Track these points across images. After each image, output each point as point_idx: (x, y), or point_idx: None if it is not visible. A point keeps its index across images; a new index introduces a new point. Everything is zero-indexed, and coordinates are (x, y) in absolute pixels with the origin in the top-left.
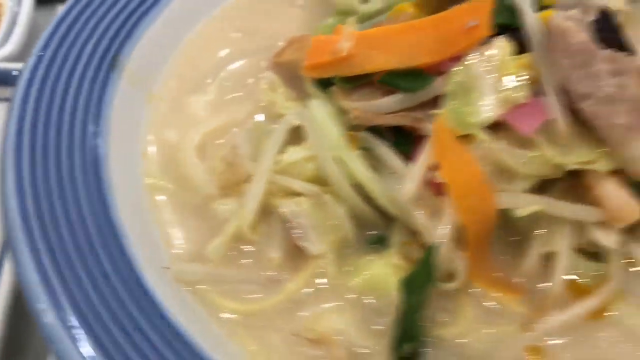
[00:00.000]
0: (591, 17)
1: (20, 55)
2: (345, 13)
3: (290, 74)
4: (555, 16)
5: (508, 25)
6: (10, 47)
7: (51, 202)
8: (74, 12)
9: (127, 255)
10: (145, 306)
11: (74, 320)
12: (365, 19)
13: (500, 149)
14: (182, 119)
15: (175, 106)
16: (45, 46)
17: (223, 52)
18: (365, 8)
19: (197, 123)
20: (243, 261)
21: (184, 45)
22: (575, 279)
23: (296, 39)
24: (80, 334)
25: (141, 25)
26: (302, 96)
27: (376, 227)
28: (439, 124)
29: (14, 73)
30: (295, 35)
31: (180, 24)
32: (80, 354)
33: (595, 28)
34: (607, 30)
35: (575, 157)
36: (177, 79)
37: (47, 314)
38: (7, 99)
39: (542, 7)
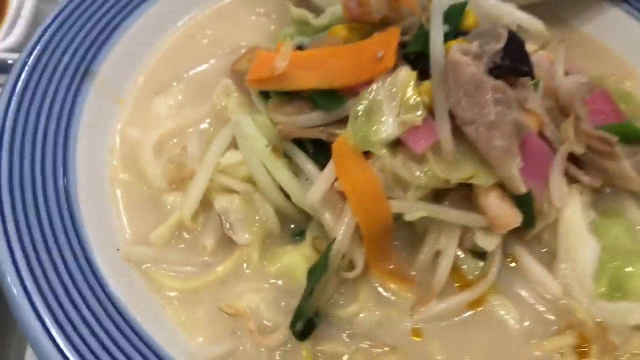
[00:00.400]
0: (501, 43)
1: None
2: (301, 23)
3: (243, 81)
4: (452, 49)
5: (422, 52)
6: (13, 38)
7: (22, 188)
8: (55, 24)
9: (81, 236)
10: (92, 282)
11: (34, 295)
12: (317, 32)
13: (396, 164)
14: (145, 118)
15: (141, 107)
16: (29, 54)
17: (189, 58)
18: (316, 22)
19: (158, 123)
20: (182, 246)
21: (153, 52)
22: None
23: (250, 50)
24: (40, 306)
25: (113, 36)
26: (251, 102)
27: (298, 222)
28: (339, 141)
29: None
30: (251, 47)
31: (150, 33)
32: (38, 317)
33: (503, 52)
34: (515, 54)
35: (459, 173)
36: (144, 83)
37: (13, 288)
38: None
39: (458, 33)
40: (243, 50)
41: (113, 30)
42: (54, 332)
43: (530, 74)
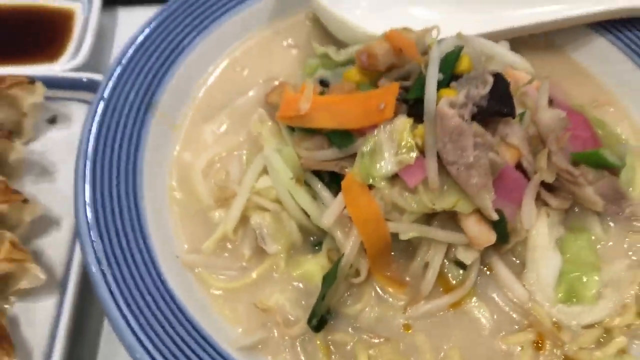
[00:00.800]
0: (487, 88)
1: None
2: (323, 57)
3: (275, 112)
4: (441, 102)
5: (419, 98)
6: (81, 59)
7: (104, 207)
8: (122, 65)
9: (149, 246)
10: (157, 282)
11: (114, 290)
12: (337, 65)
13: (394, 194)
14: (196, 144)
15: (192, 134)
16: (103, 91)
17: (232, 89)
18: (336, 57)
19: (206, 148)
20: (226, 255)
21: (201, 84)
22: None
23: (280, 84)
24: (119, 298)
25: (170, 71)
26: (281, 131)
27: (317, 235)
28: (348, 178)
29: (84, 79)
30: (281, 81)
31: (199, 68)
32: (117, 306)
33: (490, 95)
34: (500, 96)
35: (444, 202)
36: (194, 112)
37: (99, 286)
38: (82, 100)
39: (452, 77)
40: (276, 82)
41: (170, 66)
42: (130, 320)
43: (511, 114)
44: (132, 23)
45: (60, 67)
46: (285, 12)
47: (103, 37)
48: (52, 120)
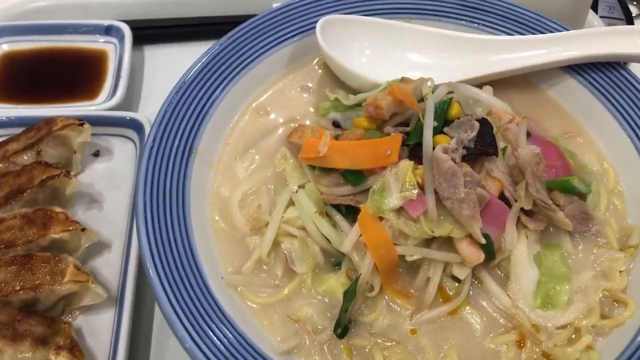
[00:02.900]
0: (474, 132)
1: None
2: (335, 100)
3: (297, 151)
4: (436, 149)
5: (418, 143)
6: (118, 98)
7: (162, 240)
8: (166, 116)
9: (200, 270)
10: (209, 300)
11: (176, 306)
12: (347, 108)
13: (400, 223)
14: (230, 180)
15: (226, 170)
16: (154, 140)
17: (258, 130)
18: (346, 102)
19: (239, 183)
20: (263, 275)
21: (232, 127)
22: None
23: (300, 127)
24: (180, 314)
25: (205, 118)
26: (303, 167)
27: (337, 256)
28: (363, 211)
29: (127, 118)
30: (300, 124)
31: (230, 112)
32: (180, 322)
33: (477, 137)
34: (485, 138)
35: (441, 230)
36: (228, 152)
37: (163, 304)
38: (121, 135)
39: (445, 122)
40: (293, 124)
41: (205, 115)
42: (191, 331)
43: (495, 154)
44: (156, 60)
45: (99, 106)
46: (300, 59)
47: (132, 74)
48: (96, 154)
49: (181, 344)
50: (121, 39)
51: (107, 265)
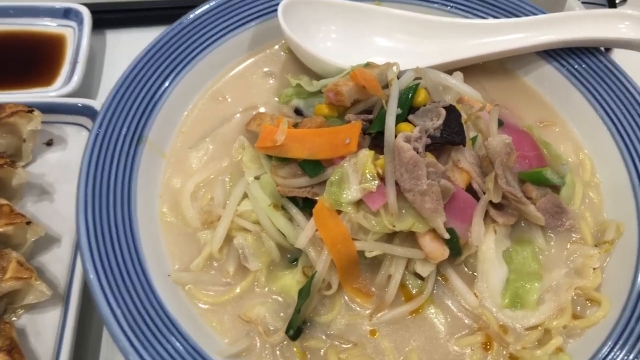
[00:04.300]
0: (441, 120)
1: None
2: (297, 87)
3: (255, 140)
4: (398, 137)
5: (381, 132)
6: (74, 84)
7: (102, 232)
8: (114, 103)
9: (144, 266)
10: (152, 299)
11: (115, 307)
12: (310, 95)
13: (359, 217)
14: (183, 170)
15: (179, 161)
16: (99, 127)
17: (215, 117)
18: (308, 89)
19: (192, 174)
20: (213, 272)
21: (187, 114)
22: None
23: (259, 115)
24: (118, 314)
25: (157, 106)
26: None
27: (293, 252)
28: (318, 204)
29: (80, 105)
30: (258, 112)
31: (184, 99)
32: (116, 320)
33: (443, 126)
34: (452, 127)
35: (402, 224)
36: (181, 141)
37: (100, 304)
38: (76, 124)
39: (411, 109)
40: (254, 112)
41: (156, 103)
42: (128, 332)
43: (462, 143)
44: (120, 45)
45: (54, 92)
46: (262, 43)
47: (92, 60)
48: (49, 143)
49: (120, 349)
50: (80, 22)
51: (56, 262)
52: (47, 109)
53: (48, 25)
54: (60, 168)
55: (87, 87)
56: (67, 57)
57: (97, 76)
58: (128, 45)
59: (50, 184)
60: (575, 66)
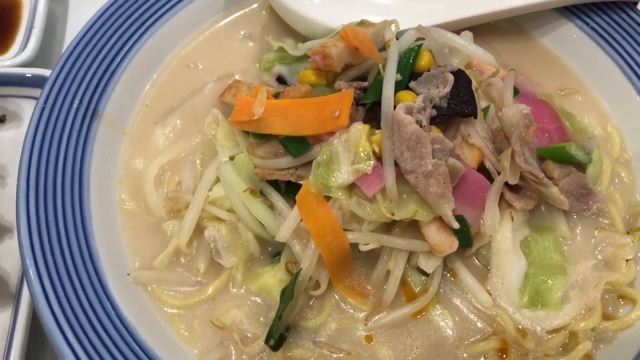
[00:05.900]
0: (448, 88)
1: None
2: (280, 51)
3: (230, 113)
4: (397, 108)
5: (377, 102)
6: (29, 53)
7: (47, 223)
8: (63, 72)
9: (97, 265)
10: (106, 304)
11: (59, 315)
12: (294, 60)
13: (352, 204)
14: (146, 149)
15: (142, 138)
16: (45, 101)
17: (184, 87)
18: (292, 53)
19: (157, 154)
20: (180, 269)
21: (151, 85)
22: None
23: (235, 84)
24: (63, 323)
25: (114, 76)
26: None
27: (275, 245)
28: (303, 190)
29: (29, 75)
30: (235, 80)
31: (148, 67)
32: (62, 332)
33: (451, 95)
34: (461, 95)
35: (403, 212)
36: (144, 115)
37: (41, 307)
38: (32, 97)
39: (412, 75)
40: (229, 81)
41: (114, 71)
42: (76, 348)
43: (473, 114)
44: (83, 9)
45: (9, 62)
46: (240, 2)
47: (54, 27)
48: (1, 120)
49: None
50: None
51: (8, 255)
52: None
53: None
54: (13, 148)
55: (47, 56)
56: (23, 22)
57: (59, 45)
58: (93, 9)
59: (3, 165)
60: (602, 24)
